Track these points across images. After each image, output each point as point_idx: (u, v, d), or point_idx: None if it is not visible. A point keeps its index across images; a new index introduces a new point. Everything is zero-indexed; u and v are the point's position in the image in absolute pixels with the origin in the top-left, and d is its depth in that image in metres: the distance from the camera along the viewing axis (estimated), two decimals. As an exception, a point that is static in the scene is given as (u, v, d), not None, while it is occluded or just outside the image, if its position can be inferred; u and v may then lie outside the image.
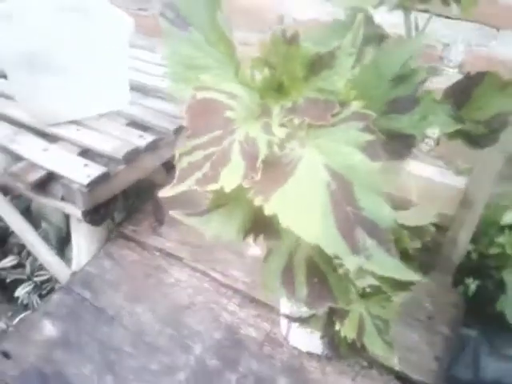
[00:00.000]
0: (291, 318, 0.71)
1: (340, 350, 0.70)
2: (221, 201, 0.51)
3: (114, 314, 1.17)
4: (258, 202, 0.43)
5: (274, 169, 0.45)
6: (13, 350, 1.11)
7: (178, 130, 1.35)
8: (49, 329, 1.15)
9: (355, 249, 0.40)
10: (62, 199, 1.18)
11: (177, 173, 0.45)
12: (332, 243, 0.40)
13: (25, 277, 1.75)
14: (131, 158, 1.24)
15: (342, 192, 0.41)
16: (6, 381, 1.06)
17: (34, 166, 1.20)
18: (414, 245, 0.66)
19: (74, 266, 1.35)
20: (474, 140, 0.60)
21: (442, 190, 1.14)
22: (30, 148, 1.25)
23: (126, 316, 1.17)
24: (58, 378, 1.06)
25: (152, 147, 1.30)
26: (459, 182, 1.11)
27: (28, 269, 1.78)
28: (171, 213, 0.52)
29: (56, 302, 1.21)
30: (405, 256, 0.68)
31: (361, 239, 0.40)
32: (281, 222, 0.42)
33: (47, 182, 1.19)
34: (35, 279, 1.68)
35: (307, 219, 0.42)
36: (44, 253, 1.55)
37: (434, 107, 0.56)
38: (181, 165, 0.45)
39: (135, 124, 1.37)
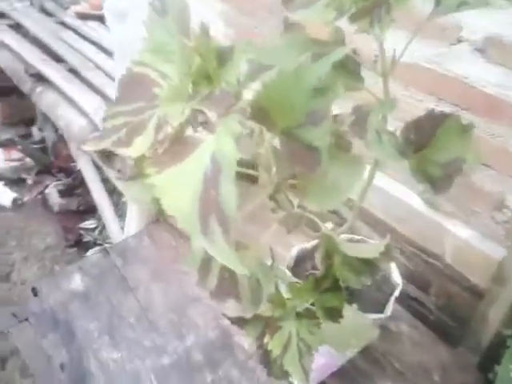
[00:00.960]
0: (230, 319, 0.71)
1: (272, 367, 0.68)
2: (140, 170, 0.54)
3: (133, 285, 1.26)
4: (150, 171, 0.46)
5: (179, 148, 0.47)
6: (42, 290, 1.25)
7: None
8: (76, 282, 1.27)
9: (204, 231, 0.41)
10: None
11: (101, 131, 0.50)
12: (187, 219, 0.42)
13: (98, 240, 1.95)
14: None
15: (213, 178, 0.42)
16: (27, 314, 1.20)
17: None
18: (363, 281, 0.63)
19: (123, 236, 1.48)
20: (433, 183, 0.56)
21: (478, 256, 1.03)
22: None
23: (141, 290, 1.25)
24: (66, 326, 1.17)
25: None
26: (498, 252, 1.00)
27: (102, 234, 1.98)
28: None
29: (92, 261, 1.34)
30: (349, 292, 0.65)
31: (211, 224, 0.41)
32: (157, 194, 0.44)
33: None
34: (105, 244, 1.86)
35: (178, 196, 0.44)
36: (111, 221, 1.71)
37: (381, 135, 0.53)
38: (105, 125, 0.50)
39: None
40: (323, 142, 0.46)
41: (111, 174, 1.44)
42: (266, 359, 0.68)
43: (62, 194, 2.30)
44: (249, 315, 0.62)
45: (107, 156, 1.32)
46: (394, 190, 1.09)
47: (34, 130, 2.79)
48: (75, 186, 2.27)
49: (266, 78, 0.47)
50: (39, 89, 1.99)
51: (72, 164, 2.27)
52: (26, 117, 2.77)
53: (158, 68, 0.51)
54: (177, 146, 0.48)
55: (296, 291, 0.63)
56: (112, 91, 1.62)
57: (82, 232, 2.05)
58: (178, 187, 0.45)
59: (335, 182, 0.56)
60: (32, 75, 2.03)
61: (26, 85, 2.09)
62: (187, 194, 0.44)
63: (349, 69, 0.58)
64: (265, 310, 0.66)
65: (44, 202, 2.40)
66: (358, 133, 0.54)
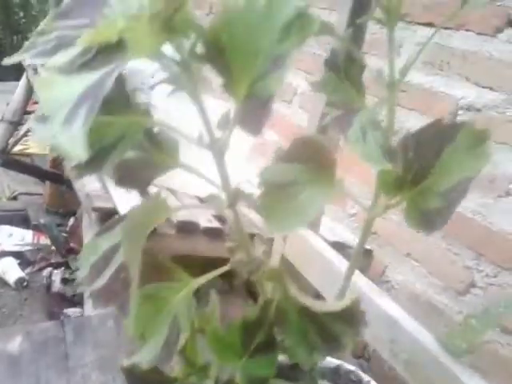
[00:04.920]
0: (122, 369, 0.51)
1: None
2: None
3: (72, 367, 1.04)
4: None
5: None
6: None
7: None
8: (14, 344, 1.08)
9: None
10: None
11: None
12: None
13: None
14: None
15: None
16: None
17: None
18: (314, 358, 0.43)
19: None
20: (429, 219, 0.39)
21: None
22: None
23: (78, 376, 1.03)
24: None
25: None
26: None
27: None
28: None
29: (42, 327, 1.16)
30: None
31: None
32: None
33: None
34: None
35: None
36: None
37: (366, 133, 0.39)
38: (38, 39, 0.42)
39: None
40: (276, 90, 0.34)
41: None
42: None
43: (65, 281, 2.20)
44: (145, 366, 0.44)
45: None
46: (400, 317, 0.88)
47: (71, 220, 2.80)
48: (79, 274, 2.15)
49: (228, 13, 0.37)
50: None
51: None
52: (70, 209, 2.79)
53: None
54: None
55: (215, 341, 0.44)
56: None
57: (63, 318, 1.88)
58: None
59: (306, 200, 0.42)
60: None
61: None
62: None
63: (350, 76, 0.48)
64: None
65: (48, 286, 2.30)
66: (341, 128, 0.42)
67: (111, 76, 0.29)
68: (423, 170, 0.40)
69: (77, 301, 2.04)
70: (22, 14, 5.98)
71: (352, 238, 1.42)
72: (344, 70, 0.44)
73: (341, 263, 0.97)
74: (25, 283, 2.40)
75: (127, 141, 0.40)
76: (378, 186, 0.40)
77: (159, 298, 0.46)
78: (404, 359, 0.82)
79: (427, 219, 0.39)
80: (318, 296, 1.12)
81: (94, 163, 0.40)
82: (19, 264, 2.49)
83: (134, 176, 0.46)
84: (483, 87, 1.20)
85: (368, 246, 1.38)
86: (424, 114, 1.34)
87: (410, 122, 1.35)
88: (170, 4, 0.35)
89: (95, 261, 0.38)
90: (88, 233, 1.51)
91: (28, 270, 2.32)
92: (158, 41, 0.34)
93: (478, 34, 1.25)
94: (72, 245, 2.36)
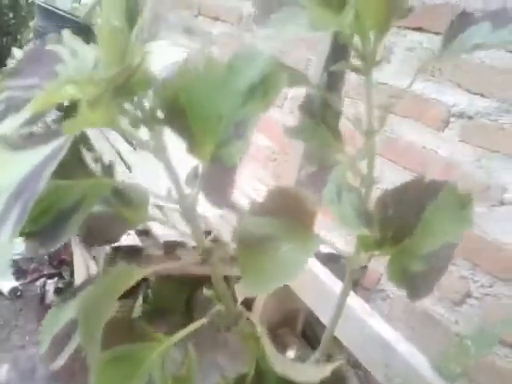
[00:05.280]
0: None
1: None
2: None
3: None
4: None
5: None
6: None
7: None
8: (1, 372, 1.06)
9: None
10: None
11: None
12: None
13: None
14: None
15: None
16: None
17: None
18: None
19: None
20: (413, 284, 0.36)
21: None
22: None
23: None
24: None
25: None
26: None
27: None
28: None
29: (29, 354, 1.14)
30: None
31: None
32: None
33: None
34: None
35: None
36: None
37: (342, 192, 0.37)
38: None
39: None
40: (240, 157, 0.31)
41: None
42: None
43: (58, 292, 2.17)
44: None
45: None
46: (394, 340, 0.86)
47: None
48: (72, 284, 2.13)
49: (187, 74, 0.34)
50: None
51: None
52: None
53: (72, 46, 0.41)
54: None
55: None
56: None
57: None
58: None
59: (285, 259, 0.40)
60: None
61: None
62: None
63: (327, 121, 0.46)
64: None
65: (42, 296, 2.27)
66: (315, 185, 0.39)
67: (54, 160, 0.27)
68: (404, 229, 0.37)
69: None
70: (11, 15, 5.90)
71: (345, 247, 1.40)
72: (320, 117, 0.41)
73: (334, 284, 0.95)
74: (18, 293, 2.38)
75: (88, 203, 0.38)
76: (357, 245, 0.38)
77: (132, 359, 0.43)
78: (398, 384, 0.80)
79: (411, 283, 0.37)
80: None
81: (53, 228, 0.37)
82: (12, 272, 2.46)
83: (101, 232, 0.44)
84: (474, 94, 1.17)
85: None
86: (417, 120, 1.31)
87: (403, 129, 1.33)
88: (125, 69, 0.32)
89: (56, 334, 0.36)
90: (76, 247, 1.49)
91: (21, 281, 2.29)
92: (114, 108, 0.31)
93: (469, 39, 1.22)
94: (64, 256, 2.33)
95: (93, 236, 0.43)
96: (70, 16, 2.10)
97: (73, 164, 0.36)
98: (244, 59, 0.33)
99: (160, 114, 0.33)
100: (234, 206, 1.41)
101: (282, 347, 1.22)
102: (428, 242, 0.37)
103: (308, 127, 0.42)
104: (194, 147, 0.34)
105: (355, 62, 0.38)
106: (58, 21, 1.94)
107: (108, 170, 0.39)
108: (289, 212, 0.42)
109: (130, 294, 1.14)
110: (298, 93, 1.75)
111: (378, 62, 0.37)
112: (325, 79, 0.46)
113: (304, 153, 0.36)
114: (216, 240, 1.20)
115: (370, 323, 0.85)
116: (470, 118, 1.19)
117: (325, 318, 0.95)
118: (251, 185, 1.63)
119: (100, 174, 0.38)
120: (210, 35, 2.26)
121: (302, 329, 1.31)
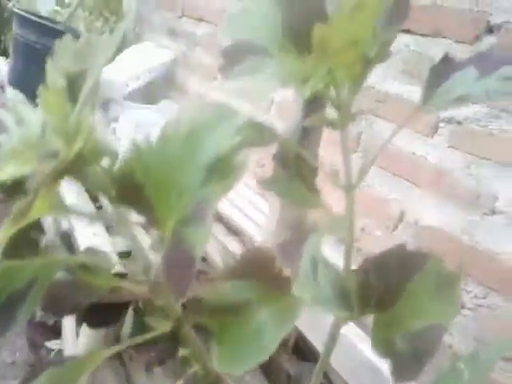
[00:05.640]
0: None
1: None
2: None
3: None
4: None
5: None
6: None
7: None
8: None
9: None
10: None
11: None
12: None
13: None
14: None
15: None
16: None
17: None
18: None
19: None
20: (398, 362, 0.34)
21: None
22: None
23: None
24: None
25: None
26: None
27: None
28: None
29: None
30: None
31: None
32: None
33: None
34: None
35: None
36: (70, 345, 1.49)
37: (317, 269, 0.34)
38: None
39: None
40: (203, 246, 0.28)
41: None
42: None
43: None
44: None
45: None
46: (385, 365, 0.84)
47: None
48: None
49: (143, 144, 0.31)
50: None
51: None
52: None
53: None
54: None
55: None
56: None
57: (44, 353, 1.82)
58: None
59: (262, 326, 0.37)
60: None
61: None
62: None
63: (302, 175, 0.42)
64: None
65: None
66: (289, 259, 0.36)
67: None
68: (387, 297, 0.34)
69: (58, 328, 1.98)
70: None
71: (337, 257, 1.37)
72: (295, 170, 0.38)
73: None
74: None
75: (42, 282, 0.35)
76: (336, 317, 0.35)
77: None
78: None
79: (397, 360, 0.34)
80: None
81: (5, 309, 0.34)
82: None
83: (62, 302, 0.40)
84: (464, 99, 1.14)
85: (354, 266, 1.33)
86: (406, 126, 1.28)
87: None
88: (73, 144, 0.29)
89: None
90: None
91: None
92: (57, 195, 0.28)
93: (456, 41, 1.19)
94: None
95: (52, 306, 0.40)
96: (48, 23, 2.04)
97: (24, 244, 0.33)
98: (204, 127, 0.29)
99: (112, 192, 0.29)
100: (221, 218, 1.38)
101: (273, 364, 1.20)
102: (413, 319, 0.34)
103: (282, 179, 0.39)
104: (153, 221, 0.31)
105: (331, 112, 0.35)
106: (37, 28, 1.89)
107: (66, 241, 0.36)
108: (264, 275, 0.39)
109: (114, 321, 1.12)
110: (285, 97, 1.71)
111: (354, 116, 0.34)
112: (299, 132, 0.43)
113: (279, 217, 0.33)
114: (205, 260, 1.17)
115: (360, 347, 0.83)
116: (459, 123, 1.16)
117: (318, 344, 0.93)
118: (238, 191, 1.59)
119: (56, 249, 0.35)
120: (193, 36, 2.21)
121: (294, 342, 1.28)
